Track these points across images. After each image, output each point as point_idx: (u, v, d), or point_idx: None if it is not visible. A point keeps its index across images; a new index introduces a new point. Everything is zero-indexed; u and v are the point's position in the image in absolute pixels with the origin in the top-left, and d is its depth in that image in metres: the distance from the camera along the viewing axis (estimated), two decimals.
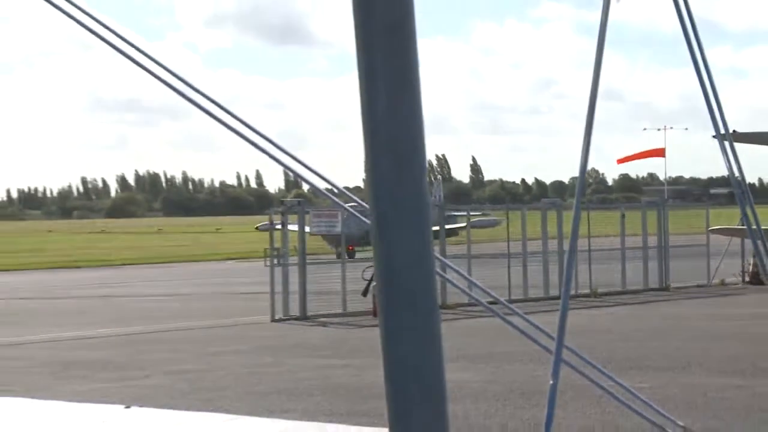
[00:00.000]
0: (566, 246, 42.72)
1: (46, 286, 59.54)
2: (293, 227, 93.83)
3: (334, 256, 43.52)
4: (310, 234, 40.33)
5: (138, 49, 3.49)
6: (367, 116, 2.01)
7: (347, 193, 3.89)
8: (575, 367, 2.81)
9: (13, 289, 56.96)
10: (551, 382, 2.42)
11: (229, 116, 3.46)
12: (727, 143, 3.85)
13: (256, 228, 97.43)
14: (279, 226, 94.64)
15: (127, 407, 3.03)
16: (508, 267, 41.72)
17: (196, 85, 3.50)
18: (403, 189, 2.03)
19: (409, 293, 2.01)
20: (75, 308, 45.63)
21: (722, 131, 2.67)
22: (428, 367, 1.99)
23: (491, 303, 3.40)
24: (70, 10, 3.54)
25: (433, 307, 2.07)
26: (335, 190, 3.69)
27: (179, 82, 3.47)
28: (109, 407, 3.09)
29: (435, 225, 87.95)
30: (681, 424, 3.11)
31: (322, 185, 3.68)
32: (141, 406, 3.08)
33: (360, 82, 2.03)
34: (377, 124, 1.98)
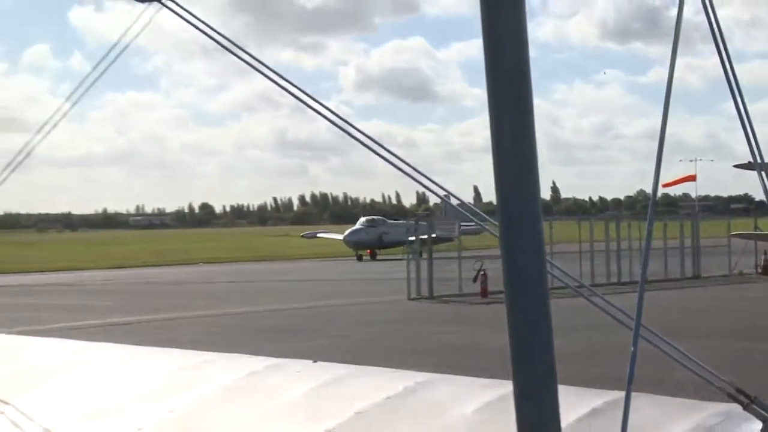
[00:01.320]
0: (624, 245, 42.44)
1: (248, 274, 60.47)
2: (324, 234, 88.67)
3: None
4: (438, 236, 40.24)
5: (319, 101, 3.44)
6: (496, 148, 1.97)
7: (472, 207, 3.76)
8: (648, 339, 2.68)
9: (222, 275, 58.08)
10: (632, 349, 2.30)
11: (382, 149, 3.36)
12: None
13: (302, 236, 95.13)
14: (320, 235, 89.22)
15: (314, 361, 3.03)
16: (580, 261, 41.10)
17: (359, 127, 3.43)
18: (522, 203, 1.99)
19: (527, 281, 1.98)
20: (269, 289, 46.23)
21: (758, 160, 2.54)
22: (542, 334, 1.95)
23: (578, 287, 3.26)
24: (271, 75, 3.48)
25: (544, 291, 2.02)
26: (455, 203, 3.58)
27: (347, 125, 3.40)
28: (302, 361, 3.11)
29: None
30: (726, 379, 2.93)
31: (453, 201, 3.59)
32: (325, 361, 3.10)
33: (491, 121, 1.98)
34: (504, 153, 1.96)
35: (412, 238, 78.71)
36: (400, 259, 49.55)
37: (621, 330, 3.06)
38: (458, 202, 3.54)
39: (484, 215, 3.63)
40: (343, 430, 2.91)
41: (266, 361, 3.59)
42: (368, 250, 78.54)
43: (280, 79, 3.53)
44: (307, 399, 3.18)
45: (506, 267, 1.93)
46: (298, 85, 3.54)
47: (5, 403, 3.49)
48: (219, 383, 3.39)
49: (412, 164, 3.52)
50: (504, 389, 2.95)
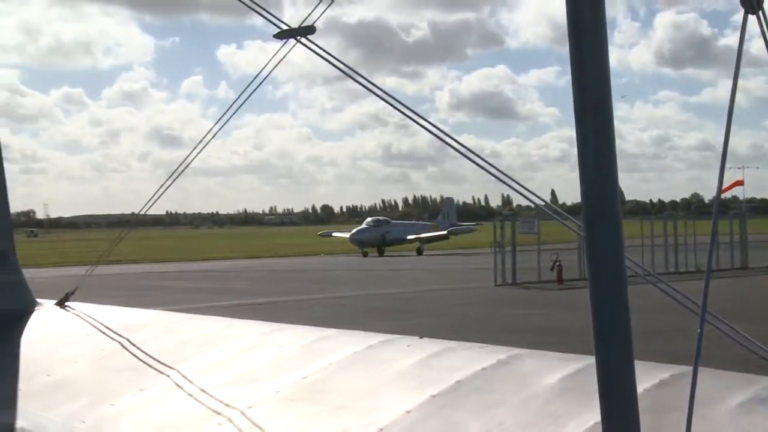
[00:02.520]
0: (680, 240, 41.43)
1: (360, 263, 60.82)
2: (338, 234, 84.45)
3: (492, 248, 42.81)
4: (520, 233, 39.66)
5: (425, 118, 3.41)
6: (582, 158, 1.92)
7: (555, 206, 3.69)
8: (711, 322, 2.58)
9: (338, 264, 58.64)
10: (699, 330, 2.21)
11: (478, 158, 3.32)
12: None
13: (318, 235, 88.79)
14: (335, 234, 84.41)
15: (421, 337, 3.00)
16: (642, 253, 40.08)
17: (459, 140, 3.39)
18: (604, 205, 1.93)
19: (608, 270, 1.92)
20: (376, 277, 46.41)
21: None
22: (620, 315, 1.89)
23: (647, 275, 3.16)
24: (386, 97, 3.47)
25: (623, 279, 1.96)
26: (538, 204, 3.51)
27: (449, 138, 3.36)
28: (410, 337, 3.06)
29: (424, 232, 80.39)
30: None
31: (534, 202, 3.53)
32: (430, 338, 3.06)
33: (578, 136, 1.93)
34: (588, 163, 1.91)
35: (411, 237, 76.93)
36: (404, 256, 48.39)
37: (680, 312, 2.97)
38: (543, 203, 3.47)
39: (566, 214, 3.56)
40: (446, 396, 2.88)
41: (380, 336, 3.59)
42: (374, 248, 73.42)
43: (393, 100, 3.53)
44: (415, 369, 3.16)
45: (590, 258, 1.89)
46: (408, 105, 3.54)
47: (171, 368, 3.57)
48: (342, 354, 3.39)
49: (503, 170, 3.48)
50: (584, 362, 2.88)
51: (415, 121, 3.31)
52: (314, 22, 3.47)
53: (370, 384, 3.12)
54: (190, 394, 3.31)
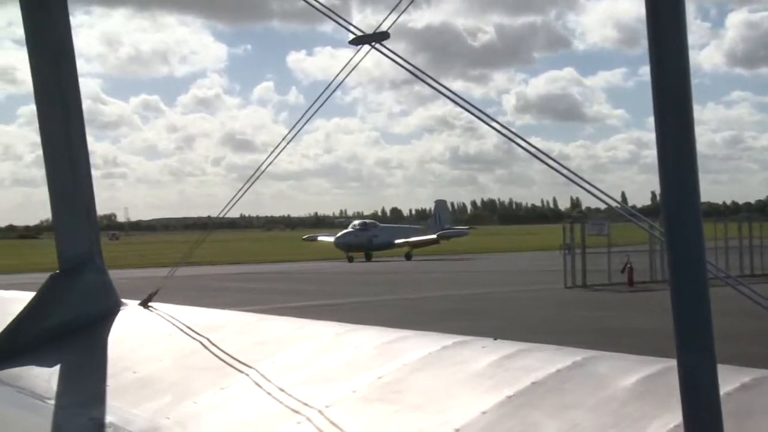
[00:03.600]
0: (755, 242, 40.31)
1: (428, 266, 60.72)
2: (323, 238, 78.20)
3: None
4: (590, 235, 39.01)
5: (496, 120, 3.40)
6: (662, 164, 1.90)
7: (629, 208, 3.64)
8: None
9: (407, 266, 58.60)
10: None
11: (549, 158, 3.28)
12: None
13: (303, 239, 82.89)
14: (321, 238, 77.79)
15: (495, 339, 2.97)
16: (716, 256, 39.03)
17: (534, 139, 3.36)
18: (685, 206, 1.89)
19: (689, 272, 1.89)
20: (443, 279, 46.25)
21: None
22: (702, 317, 1.85)
23: (725, 277, 3.09)
24: (457, 99, 3.46)
25: (704, 281, 1.92)
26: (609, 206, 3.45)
27: (522, 141, 3.33)
28: (484, 339, 3.04)
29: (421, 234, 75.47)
30: None
31: (606, 203, 3.47)
32: (503, 339, 3.04)
33: (657, 135, 1.90)
34: (669, 168, 1.88)
35: (399, 241, 72.56)
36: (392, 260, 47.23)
37: (757, 315, 2.89)
38: (617, 204, 3.42)
39: (641, 215, 3.50)
40: (522, 397, 2.86)
41: (454, 338, 3.58)
42: (359, 252, 69.02)
43: (468, 105, 3.52)
44: (490, 370, 3.14)
45: (671, 260, 1.85)
46: (479, 107, 3.53)
47: (249, 367, 3.62)
48: (417, 355, 3.40)
49: (575, 172, 3.44)
50: (662, 365, 2.82)
51: (491, 126, 3.30)
52: (388, 28, 3.49)
53: (446, 385, 3.11)
54: (269, 393, 3.36)
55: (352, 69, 3.60)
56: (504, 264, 59.08)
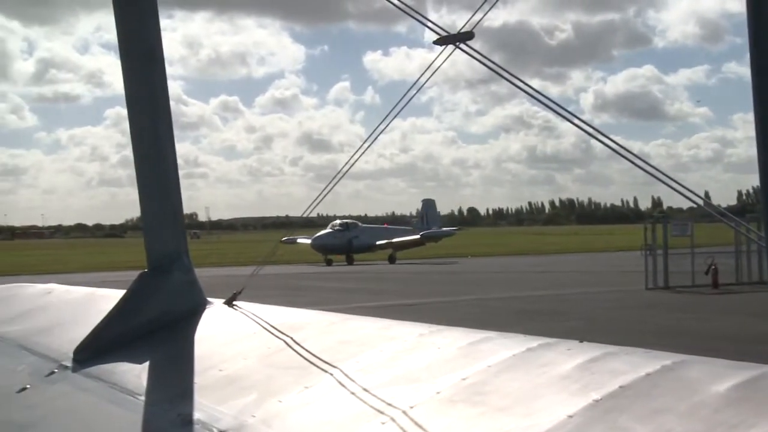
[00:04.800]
0: None
1: (507, 265, 60.25)
2: (303, 240, 69.92)
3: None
4: (672, 236, 38.06)
5: (579, 118, 3.36)
6: (762, 162, 1.83)
7: (721, 208, 3.54)
8: None
9: (486, 266, 58.25)
10: None
11: (634, 156, 3.22)
12: None
13: (281, 241, 78.76)
14: (300, 240, 70.60)
15: (581, 341, 2.91)
16: None
17: (614, 138, 3.31)
18: None
19: None
20: (523, 279, 45.81)
21: None
22: None
23: None
24: (539, 97, 3.43)
25: None
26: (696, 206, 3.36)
27: (601, 136, 3.28)
28: (570, 341, 2.98)
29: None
30: None
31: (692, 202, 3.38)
32: (589, 341, 2.97)
33: (757, 135, 1.83)
34: None
35: (380, 242, 66.40)
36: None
37: None
38: (702, 202, 3.32)
39: (731, 215, 3.40)
40: (610, 400, 2.81)
41: (539, 339, 3.54)
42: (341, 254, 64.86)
43: (544, 98, 3.48)
44: (577, 373, 3.09)
45: None
46: (560, 104, 3.48)
47: (333, 366, 3.65)
48: (501, 357, 3.37)
49: (661, 170, 3.36)
50: (757, 371, 2.73)
51: (580, 127, 3.25)
52: (473, 28, 3.47)
53: (531, 387, 3.08)
54: (352, 393, 3.37)
55: (437, 69, 3.60)
56: (581, 264, 58.21)
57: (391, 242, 67.65)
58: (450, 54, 3.57)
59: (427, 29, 3.68)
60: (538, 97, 3.23)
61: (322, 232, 66.69)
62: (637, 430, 2.60)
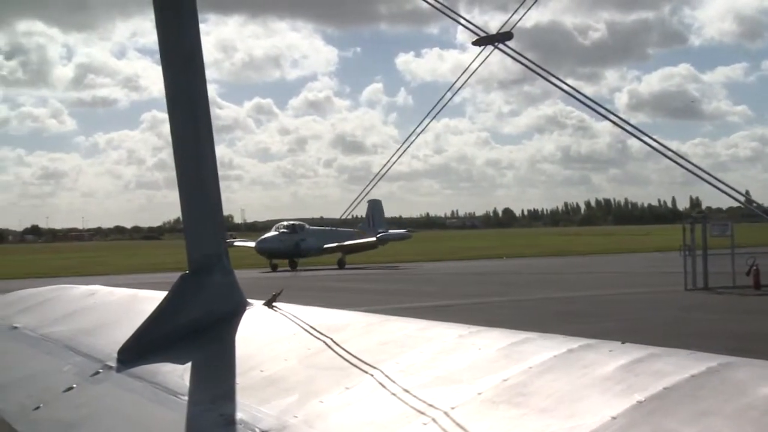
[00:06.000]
0: None
1: (543, 267, 59.84)
2: (240, 243, 64.40)
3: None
4: (712, 236, 37.50)
5: (619, 116, 3.33)
6: None
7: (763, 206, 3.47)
8: None
9: (522, 267, 57.92)
10: None
11: (674, 154, 3.18)
12: None
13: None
14: (237, 243, 65.03)
15: (623, 342, 2.87)
16: None
17: (653, 136, 3.27)
18: None
19: None
20: (559, 280, 45.44)
21: None
22: None
23: None
24: (576, 94, 3.40)
25: None
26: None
27: (639, 132, 3.24)
28: (611, 342, 2.94)
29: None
30: None
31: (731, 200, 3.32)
32: (631, 342, 2.93)
33: None
34: None
35: (329, 245, 61.27)
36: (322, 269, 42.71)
37: None
38: (743, 200, 3.27)
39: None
40: (654, 402, 2.78)
41: (580, 340, 3.51)
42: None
43: (586, 99, 3.46)
44: (619, 374, 3.07)
45: None
46: (599, 102, 3.45)
47: (374, 367, 3.65)
48: (542, 358, 3.35)
49: (704, 168, 3.31)
50: None
51: (622, 127, 3.22)
52: (511, 28, 3.45)
53: (573, 388, 3.05)
54: (393, 394, 3.37)
55: (476, 69, 3.59)
56: (618, 265, 57.64)
57: (342, 245, 63.46)
58: (489, 54, 3.56)
59: (459, 30, 3.70)
60: (579, 98, 3.21)
61: (267, 234, 63.07)
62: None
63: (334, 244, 63.21)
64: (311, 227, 66.59)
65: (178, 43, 4.75)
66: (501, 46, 3.49)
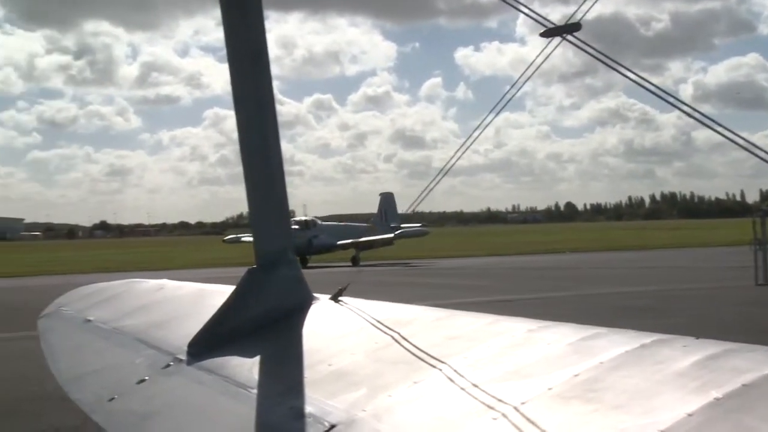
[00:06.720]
0: None
1: (607, 261, 58.93)
2: (248, 239, 61.63)
3: None
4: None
5: (699, 111, 3.26)
6: None
7: None
8: None
9: (585, 262, 57.15)
10: None
11: (751, 145, 3.10)
12: None
13: (224, 240, 71.16)
14: (245, 239, 61.18)
15: (697, 338, 2.81)
16: None
17: (730, 127, 3.19)
18: None
19: None
20: (624, 275, 44.73)
21: None
22: None
23: None
24: (648, 85, 3.34)
25: None
26: None
27: (709, 121, 3.16)
28: (685, 337, 2.88)
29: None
30: None
31: None
32: (706, 339, 2.86)
33: None
34: None
35: (342, 242, 57.61)
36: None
37: None
38: None
39: None
40: (733, 400, 2.71)
41: (653, 336, 3.44)
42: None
43: (660, 91, 3.39)
44: (695, 370, 3.00)
45: None
46: (666, 90, 3.37)
47: (441, 362, 3.65)
48: (614, 353, 3.30)
49: None
50: None
51: (698, 120, 3.15)
52: (580, 20, 3.40)
53: (647, 384, 3.00)
54: (462, 388, 3.36)
55: (543, 61, 3.54)
56: (685, 260, 56.51)
57: (357, 242, 59.83)
58: (557, 46, 3.51)
59: (519, 23, 3.66)
60: (652, 89, 3.14)
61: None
62: (763, 430, 2.51)
63: (349, 241, 60.42)
64: (324, 222, 64.51)
65: (244, 40, 4.80)
66: (570, 37, 3.44)
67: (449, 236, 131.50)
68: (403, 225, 65.08)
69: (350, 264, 58.30)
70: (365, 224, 66.59)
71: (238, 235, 68.35)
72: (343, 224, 66.84)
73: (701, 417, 2.66)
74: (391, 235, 61.05)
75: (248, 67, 4.82)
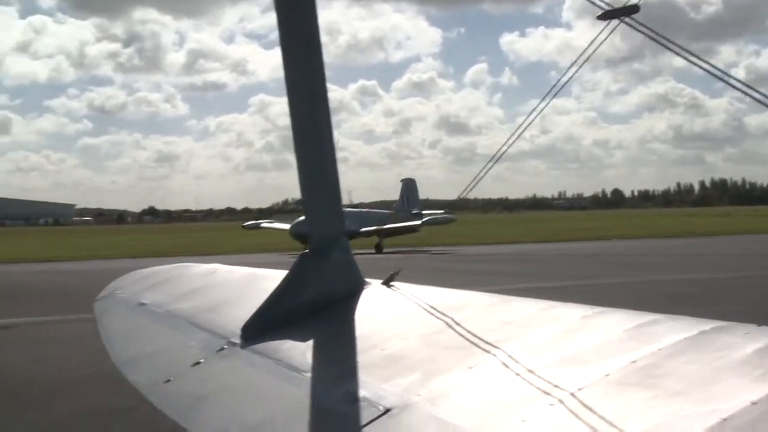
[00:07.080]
0: None
1: (654, 248, 58.11)
2: (268, 225, 61.19)
3: None
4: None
5: (748, 85, 3.16)
6: None
7: None
8: None
9: (632, 249, 56.44)
10: None
11: None
12: None
13: (243, 226, 70.02)
14: (264, 225, 62.34)
15: (759, 325, 2.75)
16: None
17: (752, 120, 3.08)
18: None
19: None
20: (672, 262, 44.08)
21: None
22: None
23: None
24: (718, 74, 3.27)
25: None
26: None
27: None
28: (746, 325, 2.81)
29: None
30: None
31: None
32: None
33: None
34: None
35: (366, 229, 56.23)
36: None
37: None
38: None
39: None
40: None
41: (712, 322, 3.39)
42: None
43: (722, 73, 3.32)
44: (757, 358, 2.95)
45: None
46: (728, 73, 3.30)
47: (496, 347, 3.63)
48: (672, 339, 3.25)
49: None
50: None
51: (754, 98, 3.08)
52: (639, 1, 3.34)
53: (707, 371, 2.95)
54: (518, 374, 3.34)
55: (600, 44, 3.49)
56: (737, 247, 55.52)
57: (381, 229, 58.61)
58: (615, 28, 3.46)
59: (565, 8, 3.61)
60: (716, 73, 3.08)
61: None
62: None
63: (373, 228, 59.33)
64: (347, 209, 63.02)
65: (296, 28, 4.81)
66: (627, 20, 3.38)
67: (494, 223, 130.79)
68: (424, 212, 64.39)
69: (374, 251, 56.89)
70: (388, 211, 64.61)
71: (258, 221, 68.41)
72: (365, 210, 65.95)
73: (766, 405, 2.61)
74: (419, 222, 59.95)
75: (302, 52, 4.83)
